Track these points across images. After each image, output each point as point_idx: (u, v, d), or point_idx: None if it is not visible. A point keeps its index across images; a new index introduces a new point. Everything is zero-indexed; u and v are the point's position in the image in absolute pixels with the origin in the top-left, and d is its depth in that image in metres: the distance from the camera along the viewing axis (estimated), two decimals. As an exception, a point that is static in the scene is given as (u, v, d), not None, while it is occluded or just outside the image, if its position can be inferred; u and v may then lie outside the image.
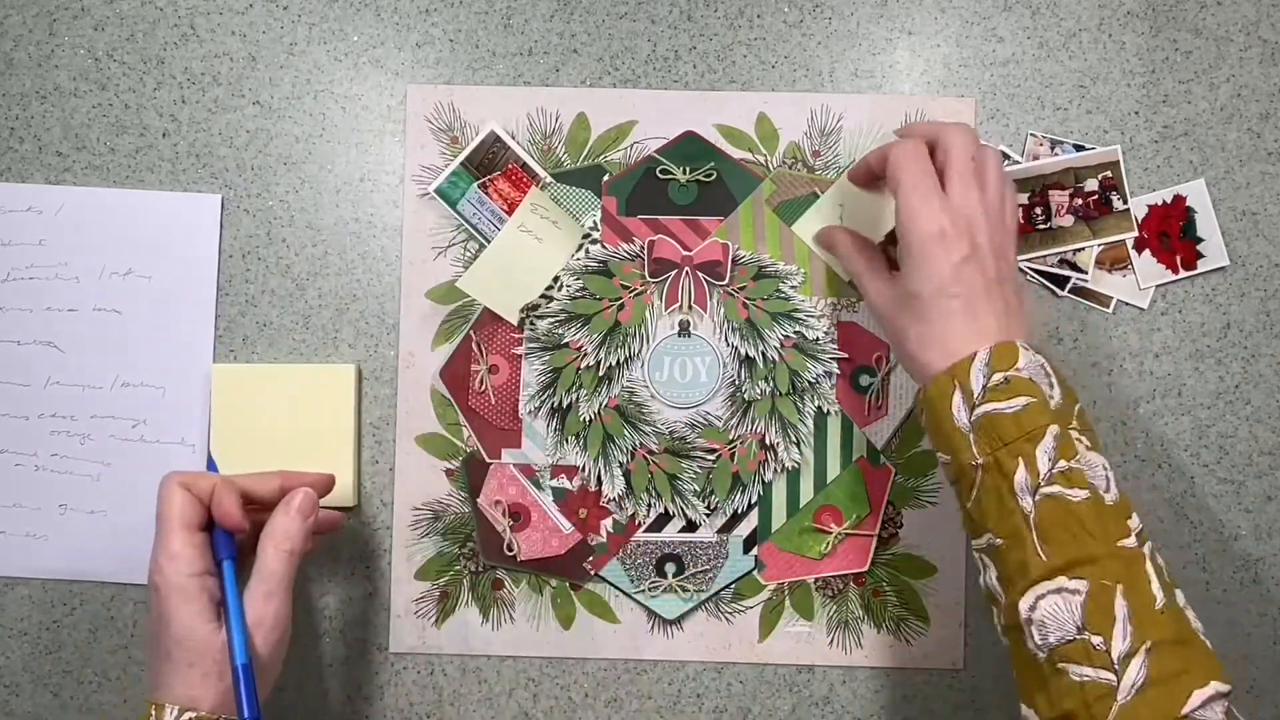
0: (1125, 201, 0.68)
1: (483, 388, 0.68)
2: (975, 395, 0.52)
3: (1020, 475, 0.51)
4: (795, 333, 0.68)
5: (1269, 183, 0.69)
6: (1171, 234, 0.68)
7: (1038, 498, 0.50)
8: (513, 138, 0.68)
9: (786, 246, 0.68)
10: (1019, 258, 0.64)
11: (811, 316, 0.68)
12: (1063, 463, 0.50)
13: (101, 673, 0.68)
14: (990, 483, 0.52)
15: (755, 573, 0.68)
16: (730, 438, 0.68)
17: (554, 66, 0.69)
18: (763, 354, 0.68)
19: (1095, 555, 0.49)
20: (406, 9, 0.69)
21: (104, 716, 0.68)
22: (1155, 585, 0.49)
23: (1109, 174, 0.68)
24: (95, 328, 0.68)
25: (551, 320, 0.68)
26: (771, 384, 0.68)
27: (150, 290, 0.68)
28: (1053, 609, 0.49)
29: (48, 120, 0.68)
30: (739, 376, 0.68)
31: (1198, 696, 0.46)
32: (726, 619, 0.68)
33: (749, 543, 0.68)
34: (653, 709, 0.68)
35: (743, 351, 0.68)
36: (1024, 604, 0.50)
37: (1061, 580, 0.49)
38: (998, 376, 0.52)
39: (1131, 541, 0.50)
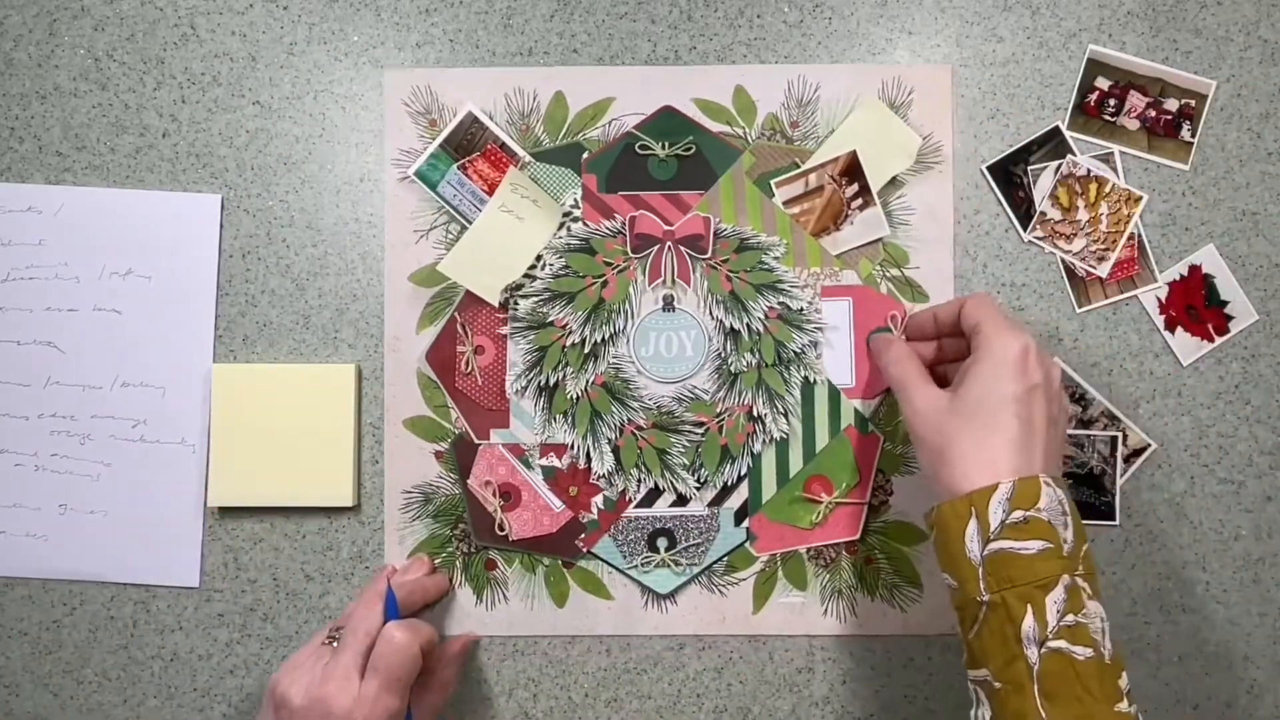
0: (1194, 135, 0.68)
1: (469, 369, 0.68)
2: (991, 529, 0.51)
3: (1028, 623, 0.50)
4: (779, 304, 0.68)
5: (1269, 183, 0.69)
6: (1197, 306, 0.68)
7: (1044, 650, 0.49)
8: (490, 118, 0.68)
9: (768, 218, 0.68)
10: (1067, 131, 0.66)
11: (795, 287, 0.68)
12: (1070, 616, 0.50)
13: (101, 673, 0.68)
14: (995, 623, 0.51)
15: (747, 545, 0.68)
16: (718, 410, 0.68)
17: (554, 67, 0.69)
18: (747, 326, 0.68)
19: (1095, 715, 0.49)
20: (406, 9, 0.69)
21: (104, 716, 0.68)
22: None
23: (1192, 103, 0.68)
24: (95, 328, 0.68)
25: (535, 299, 0.68)
26: (757, 355, 0.68)
27: (150, 290, 0.68)
28: None
29: (48, 120, 0.68)
30: (724, 349, 0.68)
31: None
32: (720, 592, 0.68)
33: (740, 515, 0.68)
34: (653, 709, 0.68)
35: (727, 324, 0.68)
36: None
37: None
38: (1017, 514, 0.51)
39: (1125, 706, 0.50)
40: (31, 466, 0.68)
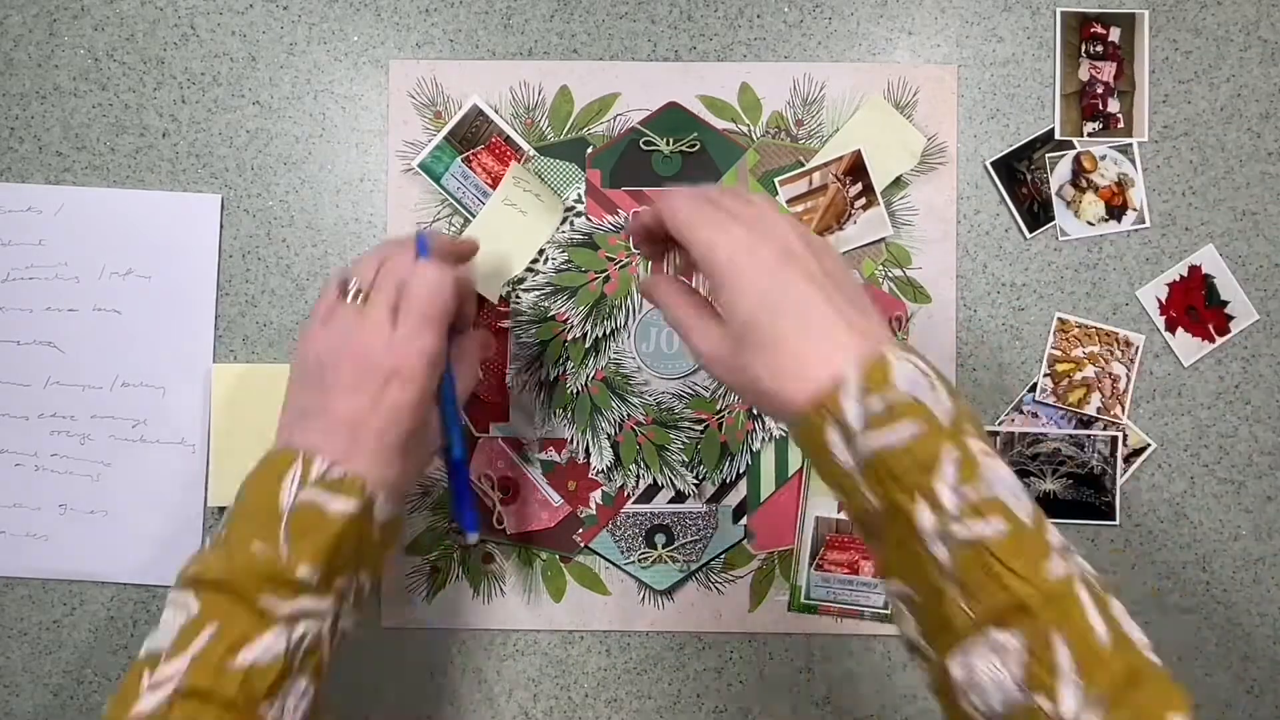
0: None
1: None
2: (854, 429, 0.44)
3: (924, 518, 0.42)
4: None
5: (1269, 183, 0.69)
6: (1197, 306, 0.68)
7: (950, 544, 0.42)
8: (495, 111, 0.68)
9: None
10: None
11: None
12: (968, 489, 0.42)
13: (101, 673, 0.68)
14: (893, 530, 0.44)
15: (745, 542, 0.68)
16: (718, 408, 0.68)
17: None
18: None
19: (1023, 599, 0.41)
20: (407, 9, 0.69)
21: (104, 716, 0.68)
22: (1094, 616, 0.41)
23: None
24: (95, 328, 0.68)
25: (537, 293, 0.68)
26: None
27: (150, 290, 0.68)
28: (989, 670, 0.41)
29: (48, 120, 0.68)
30: None
31: None
32: (717, 589, 0.68)
33: (738, 512, 0.68)
34: (653, 709, 0.68)
35: None
36: (955, 667, 0.42)
37: (993, 635, 0.41)
38: (875, 402, 0.43)
39: (1058, 569, 0.42)
40: (31, 466, 0.68)
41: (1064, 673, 0.40)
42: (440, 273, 0.53)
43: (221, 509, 0.68)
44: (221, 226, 0.69)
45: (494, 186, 0.67)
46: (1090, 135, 0.68)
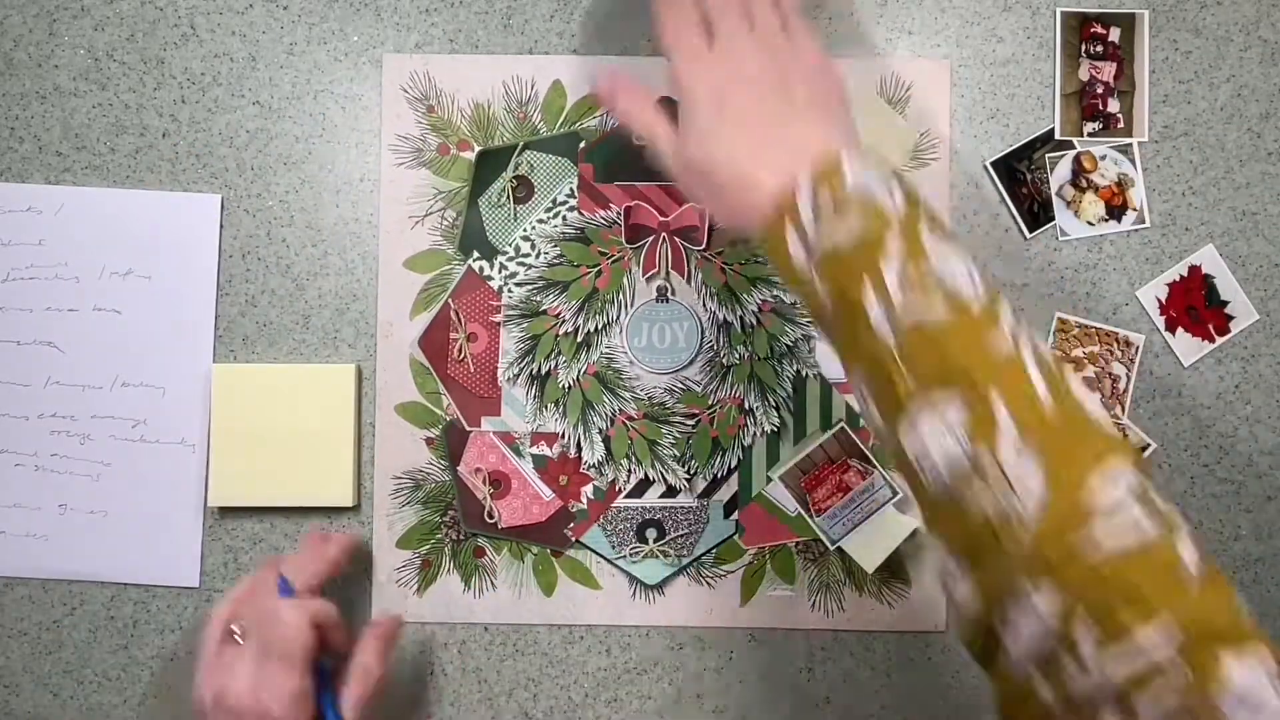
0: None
1: (461, 356, 0.68)
2: (809, 231, 0.46)
3: (871, 304, 0.44)
4: (773, 296, 0.68)
5: (1269, 183, 0.69)
6: (1197, 306, 0.68)
7: (896, 327, 0.44)
8: (489, 105, 0.68)
9: None
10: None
11: None
12: (913, 276, 0.44)
13: (101, 673, 0.68)
14: (848, 322, 0.46)
15: (736, 537, 0.68)
16: (709, 402, 0.68)
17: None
18: (741, 318, 0.68)
19: (963, 364, 0.43)
20: (407, 9, 0.69)
21: (104, 716, 0.68)
22: (1036, 377, 0.42)
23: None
24: (95, 328, 0.68)
25: (529, 287, 0.68)
26: (750, 348, 0.68)
27: (150, 290, 0.68)
28: (931, 430, 0.43)
29: (48, 120, 0.68)
30: (717, 341, 0.68)
31: (1097, 483, 0.40)
32: (708, 584, 0.68)
33: (729, 507, 0.68)
34: (653, 709, 0.68)
35: (721, 316, 0.68)
36: (906, 441, 0.44)
37: (933, 393, 0.43)
38: (826, 200, 0.46)
39: (1004, 344, 0.43)
40: (31, 466, 0.68)
41: (1000, 424, 0.42)
42: (297, 614, 0.57)
43: (222, 509, 0.68)
44: (221, 226, 0.69)
45: None
46: (1090, 135, 0.68)
